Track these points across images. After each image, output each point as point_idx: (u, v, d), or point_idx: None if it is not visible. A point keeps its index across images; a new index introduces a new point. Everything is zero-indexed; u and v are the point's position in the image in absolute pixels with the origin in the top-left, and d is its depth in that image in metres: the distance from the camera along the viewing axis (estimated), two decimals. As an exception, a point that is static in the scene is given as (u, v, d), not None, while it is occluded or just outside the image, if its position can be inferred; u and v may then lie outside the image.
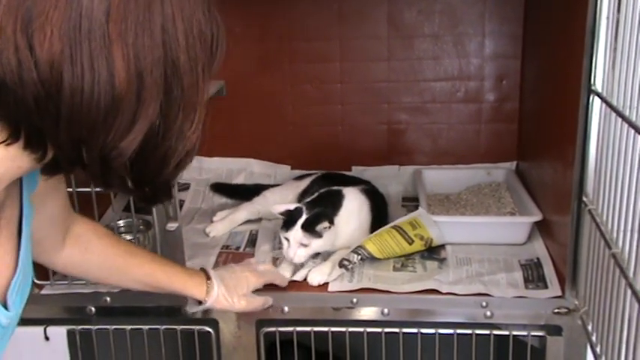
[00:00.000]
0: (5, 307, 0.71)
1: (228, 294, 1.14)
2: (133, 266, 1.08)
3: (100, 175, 0.63)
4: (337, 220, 1.32)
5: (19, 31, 0.54)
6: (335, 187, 1.42)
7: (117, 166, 0.62)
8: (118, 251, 1.06)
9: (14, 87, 0.55)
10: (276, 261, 1.36)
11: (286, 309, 1.24)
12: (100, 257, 1.05)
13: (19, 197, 0.74)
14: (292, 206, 1.31)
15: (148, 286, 1.11)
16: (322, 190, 1.41)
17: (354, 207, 1.38)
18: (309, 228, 1.27)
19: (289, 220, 1.29)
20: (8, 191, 0.68)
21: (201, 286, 1.12)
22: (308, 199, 1.36)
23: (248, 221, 1.55)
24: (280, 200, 1.54)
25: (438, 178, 1.69)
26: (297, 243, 1.27)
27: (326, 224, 1.28)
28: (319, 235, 1.27)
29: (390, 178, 1.72)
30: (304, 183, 1.57)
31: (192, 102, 0.64)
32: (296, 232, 1.27)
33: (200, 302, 1.14)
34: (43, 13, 0.55)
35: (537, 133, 1.55)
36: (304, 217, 1.28)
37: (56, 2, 0.55)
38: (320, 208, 1.30)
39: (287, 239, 1.28)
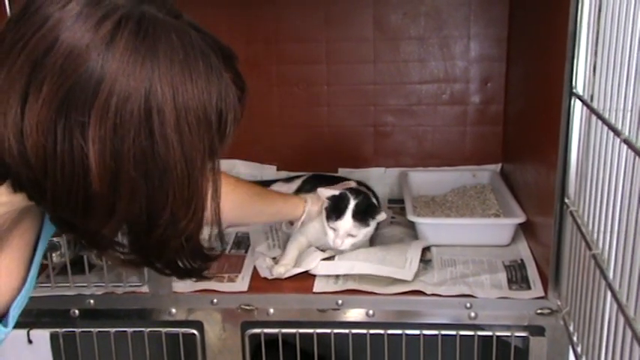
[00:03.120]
0: (5, 322, 0.71)
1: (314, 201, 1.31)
2: (258, 202, 1.24)
3: (96, 249, 0.67)
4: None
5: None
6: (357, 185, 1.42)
7: (105, 247, 0.64)
8: (246, 194, 1.21)
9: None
10: (274, 260, 1.36)
11: (271, 311, 1.24)
12: (232, 204, 1.14)
13: (42, 213, 0.75)
14: (337, 191, 1.31)
15: (270, 215, 1.31)
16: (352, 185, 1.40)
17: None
18: (360, 217, 1.27)
19: (335, 208, 1.28)
20: (28, 208, 0.68)
21: (300, 199, 1.33)
22: (350, 187, 1.35)
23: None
24: None
25: (424, 180, 1.70)
26: (345, 233, 1.27)
27: (381, 217, 1.30)
28: (367, 224, 1.28)
29: (376, 180, 1.72)
30: (295, 184, 1.57)
31: (184, 195, 0.63)
32: (346, 222, 1.27)
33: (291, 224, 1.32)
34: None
35: (521, 135, 1.56)
36: (352, 205, 1.28)
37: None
38: (365, 198, 1.31)
39: (334, 229, 1.28)
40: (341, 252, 1.32)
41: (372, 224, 1.30)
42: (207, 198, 0.66)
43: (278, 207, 1.29)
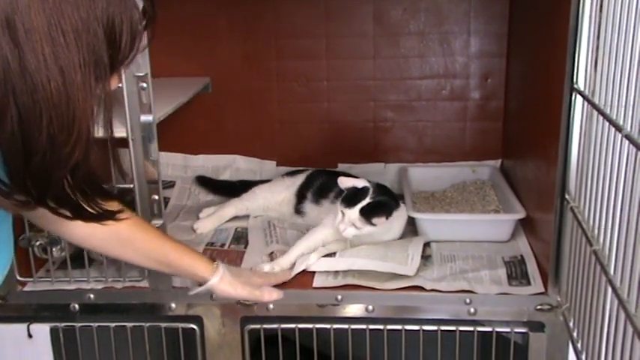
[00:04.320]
0: None
1: (232, 278, 1.12)
2: (143, 241, 1.05)
3: None
4: (395, 214, 1.32)
5: None
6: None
7: None
8: (127, 226, 1.01)
9: None
10: (271, 254, 1.36)
11: (271, 306, 1.24)
12: (108, 232, 0.97)
13: None
14: (360, 184, 1.31)
15: (157, 262, 1.08)
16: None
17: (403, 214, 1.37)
18: (367, 215, 1.27)
19: (352, 196, 1.29)
20: None
21: (209, 266, 1.10)
22: (375, 184, 1.34)
23: (234, 218, 1.55)
24: (271, 197, 1.55)
25: (424, 175, 1.70)
26: (350, 222, 1.28)
27: (382, 219, 1.29)
28: (372, 224, 1.28)
29: (376, 176, 1.71)
30: (299, 179, 1.57)
31: (62, 116, 0.55)
32: (353, 213, 1.27)
33: (200, 285, 1.11)
34: None
35: (522, 131, 1.56)
36: (367, 201, 1.28)
37: None
38: (385, 198, 1.31)
39: (343, 213, 1.28)
40: (342, 248, 1.32)
41: (379, 226, 1.29)
42: (95, 121, 0.59)
43: (170, 259, 1.08)
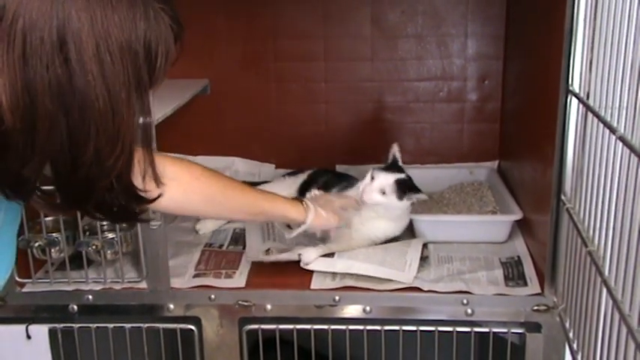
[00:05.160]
0: None
1: (323, 210, 1.20)
2: (233, 198, 1.09)
3: (20, 196, 0.62)
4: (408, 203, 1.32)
5: None
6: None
7: (29, 192, 0.60)
8: (217, 188, 1.07)
9: None
10: (267, 251, 1.36)
11: (269, 307, 1.25)
12: (201, 196, 1.05)
13: None
14: (399, 163, 1.33)
15: (251, 214, 1.15)
16: None
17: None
18: (401, 187, 1.28)
19: (389, 167, 1.31)
20: None
21: (300, 207, 1.18)
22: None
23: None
24: None
25: (421, 177, 1.68)
26: (379, 186, 1.28)
27: (412, 197, 1.29)
28: (401, 198, 1.28)
29: (374, 177, 1.73)
30: (301, 177, 1.57)
31: (108, 130, 0.59)
32: (388, 179, 1.28)
33: (290, 227, 1.21)
34: None
35: (518, 132, 1.56)
36: (403, 176, 1.30)
37: None
38: (412, 184, 1.31)
39: (373, 178, 1.29)
40: (341, 247, 1.32)
41: (404, 202, 1.30)
42: (136, 134, 0.63)
43: (262, 208, 1.14)
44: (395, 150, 1.36)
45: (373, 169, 1.31)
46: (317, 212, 1.19)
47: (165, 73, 0.64)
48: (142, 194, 0.70)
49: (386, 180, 1.28)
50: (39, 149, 0.57)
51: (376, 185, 1.28)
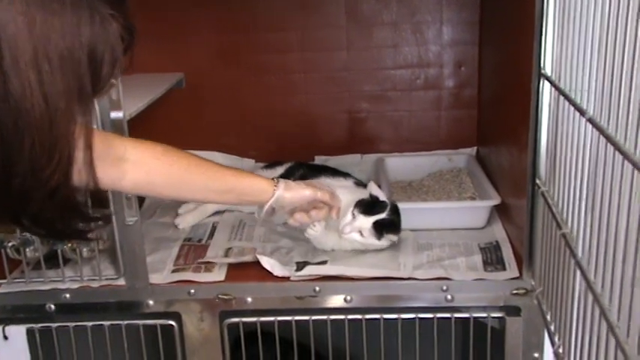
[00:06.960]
0: None
1: (293, 184, 1.13)
2: (198, 176, 1.04)
3: None
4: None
5: None
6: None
7: None
8: (180, 166, 1.02)
9: None
10: (228, 251, 1.36)
11: (249, 299, 1.24)
12: (163, 176, 1.01)
13: None
14: (382, 197, 1.32)
15: (219, 192, 1.08)
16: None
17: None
18: (379, 229, 1.28)
19: (369, 205, 1.29)
20: None
21: (269, 180, 1.11)
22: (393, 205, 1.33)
23: (215, 213, 1.55)
24: None
25: (400, 165, 1.71)
26: (358, 228, 1.28)
27: (391, 237, 1.30)
28: (379, 238, 1.29)
29: (353, 167, 1.73)
30: (278, 170, 1.56)
31: (45, 141, 0.56)
32: (366, 222, 1.27)
33: (262, 205, 1.10)
34: None
35: (495, 118, 1.57)
36: (383, 216, 1.28)
37: None
38: (397, 218, 1.31)
39: (354, 217, 1.28)
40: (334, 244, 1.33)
41: (383, 242, 1.30)
42: (76, 146, 0.59)
43: (230, 184, 1.08)
44: (372, 188, 1.33)
45: (355, 207, 1.29)
46: (287, 184, 1.12)
47: (112, 81, 0.62)
48: (85, 212, 0.67)
49: (365, 223, 1.28)
50: None
51: (356, 225, 1.28)
